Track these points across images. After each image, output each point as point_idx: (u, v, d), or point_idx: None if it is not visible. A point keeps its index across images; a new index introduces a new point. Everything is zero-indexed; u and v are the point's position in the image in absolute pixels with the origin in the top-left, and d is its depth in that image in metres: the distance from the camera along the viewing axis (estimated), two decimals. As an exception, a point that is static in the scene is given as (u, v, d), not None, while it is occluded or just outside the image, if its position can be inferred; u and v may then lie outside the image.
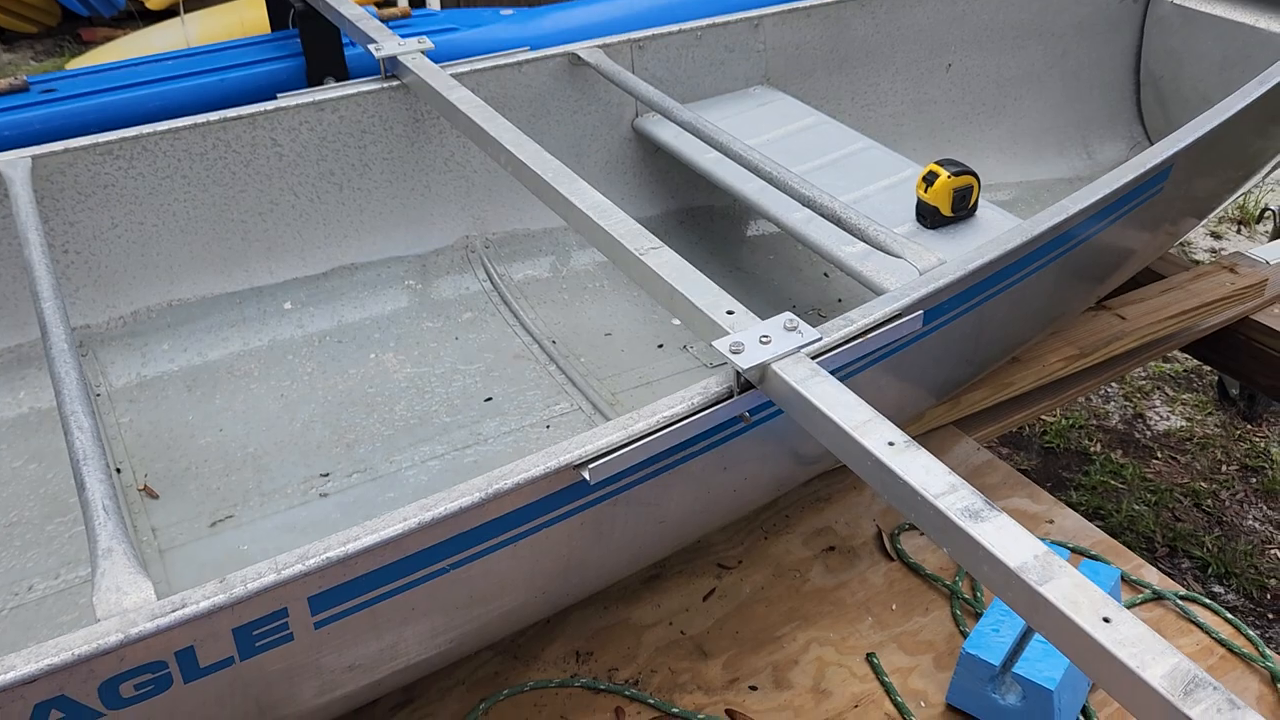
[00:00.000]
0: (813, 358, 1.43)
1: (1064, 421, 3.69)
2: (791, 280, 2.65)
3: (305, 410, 2.15)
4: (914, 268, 1.74)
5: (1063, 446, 3.60)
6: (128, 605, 1.16)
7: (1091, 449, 3.59)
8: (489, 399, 2.20)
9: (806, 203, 1.97)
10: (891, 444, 1.26)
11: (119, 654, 1.13)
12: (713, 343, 1.45)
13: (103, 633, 1.11)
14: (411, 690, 1.68)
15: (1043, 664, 1.56)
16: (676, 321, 2.46)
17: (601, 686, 1.69)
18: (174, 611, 1.14)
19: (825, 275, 2.64)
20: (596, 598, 1.83)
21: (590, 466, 1.35)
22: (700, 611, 1.82)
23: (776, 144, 2.51)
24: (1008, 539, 1.13)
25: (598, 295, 2.54)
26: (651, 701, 1.66)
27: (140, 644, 1.14)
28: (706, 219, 2.76)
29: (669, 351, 2.37)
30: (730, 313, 1.52)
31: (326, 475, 2.00)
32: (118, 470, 1.98)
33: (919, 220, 2.20)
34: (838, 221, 1.91)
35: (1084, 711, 1.63)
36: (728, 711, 1.65)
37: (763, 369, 1.41)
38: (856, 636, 1.78)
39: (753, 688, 1.69)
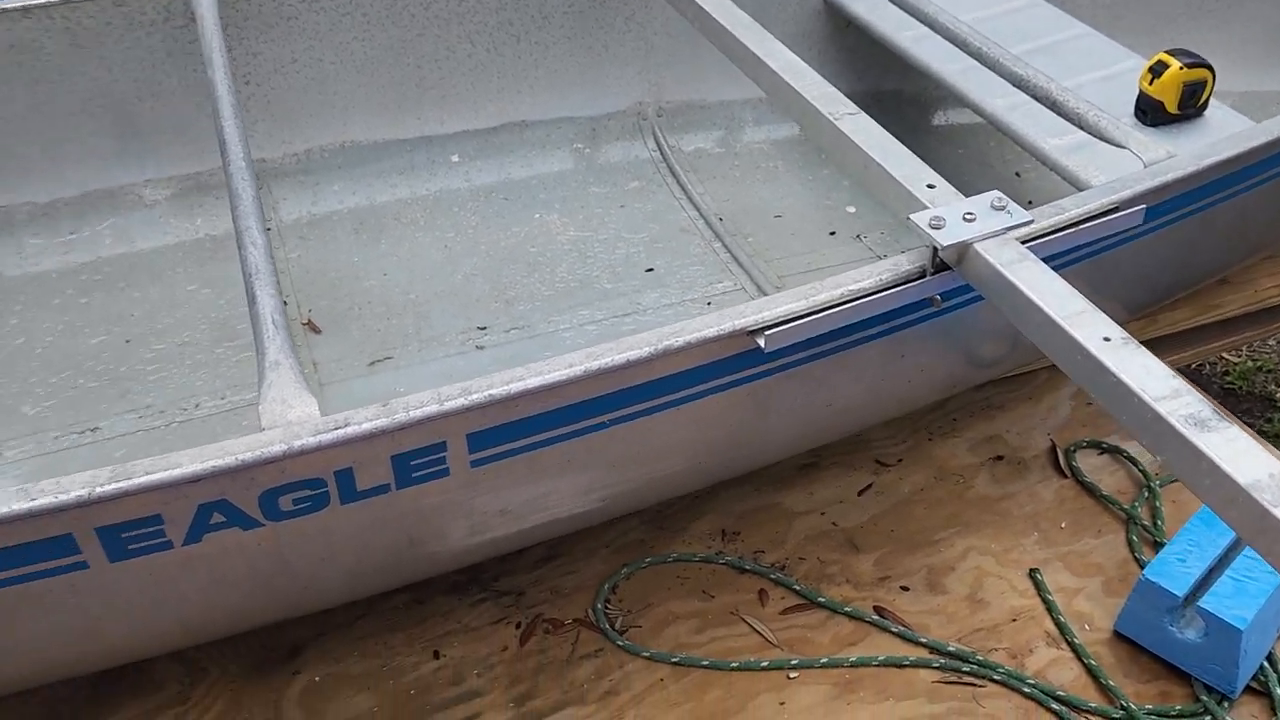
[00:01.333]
0: (1021, 243, 1.30)
1: (1250, 363, 3.41)
2: (979, 177, 2.46)
3: (467, 263, 2.13)
4: (1138, 159, 1.57)
5: (1245, 389, 3.33)
6: (292, 418, 1.15)
7: (1278, 396, 3.31)
8: (650, 270, 2.14)
9: (1019, 83, 1.80)
10: (1108, 339, 1.14)
11: (281, 465, 1.12)
12: (910, 216, 1.33)
13: (267, 441, 1.10)
14: (557, 546, 1.66)
15: (1233, 601, 1.43)
16: (851, 209, 2.32)
17: (747, 567, 1.64)
18: (336, 430, 1.12)
19: (1017, 175, 2.45)
20: (749, 478, 1.77)
21: (767, 333, 1.27)
22: (855, 505, 1.75)
23: (982, 25, 2.31)
24: (1239, 452, 1.01)
25: (770, 175, 2.42)
26: (798, 588, 1.60)
27: (302, 458, 1.13)
28: (894, 104, 2.58)
29: (841, 240, 2.24)
30: (931, 186, 1.40)
31: (484, 329, 1.98)
32: (284, 302, 2.00)
33: (1138, 115, 1.98)
34: (1053, 105, 1.74)
35: (1269, 657, 1.49)
36: (876, 608, 1.58)
37: (963, 249, 1.30)
38: (1020, 550, 1.67)
39: (904, 588, 1.61)
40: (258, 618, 1.42)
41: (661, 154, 2.41)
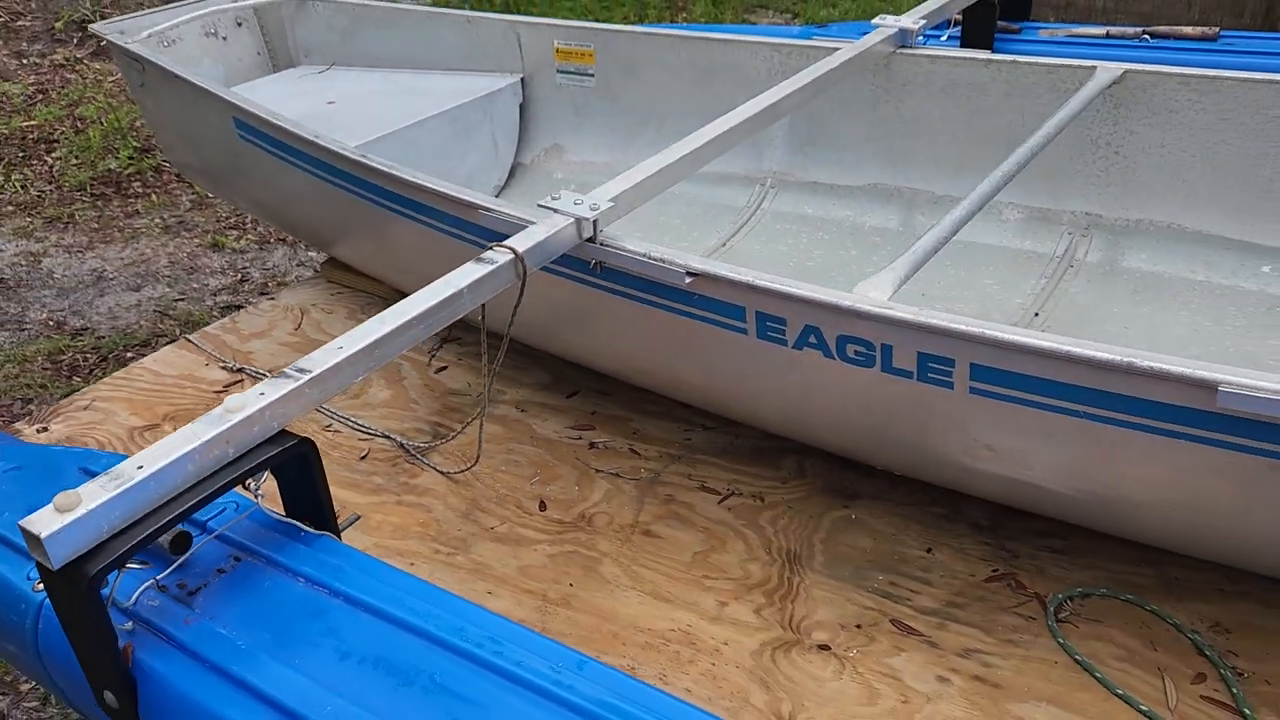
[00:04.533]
0: None
1: None
2: None
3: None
4: None
5: None
6: (869, 295, 1.71)
7: None
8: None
9: None
10: None
11: (845, 318, 1.69)
12: None
13: (840, 296, 1.69)
14: (1071, 540, 1.93)
15: None
16: None
17: (1201, 646, 1.68)
18: (878, 309, 1.66)
19: None
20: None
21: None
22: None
23: None
24: None
25: None
26: (1235, 690, 1.60)
27: (856, 319, 1.68)
28: None
29: None
30: None
31: None
32: (1035, 314, 2.47)
33: None
34: None
35: None
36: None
37: None
38: None
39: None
40: (820, 438, 2.04)
41: None
